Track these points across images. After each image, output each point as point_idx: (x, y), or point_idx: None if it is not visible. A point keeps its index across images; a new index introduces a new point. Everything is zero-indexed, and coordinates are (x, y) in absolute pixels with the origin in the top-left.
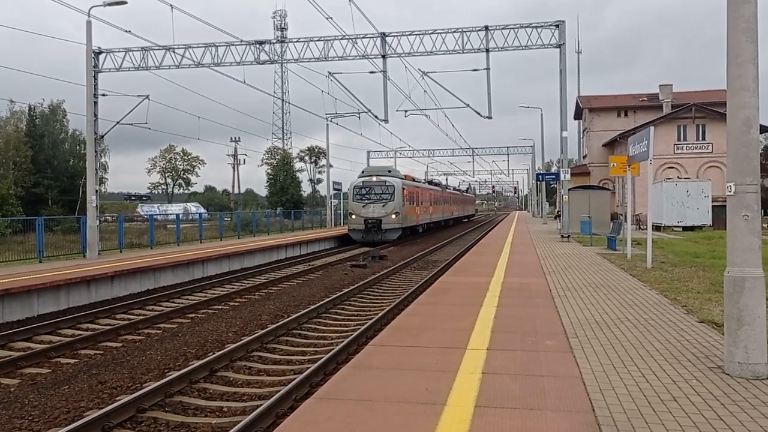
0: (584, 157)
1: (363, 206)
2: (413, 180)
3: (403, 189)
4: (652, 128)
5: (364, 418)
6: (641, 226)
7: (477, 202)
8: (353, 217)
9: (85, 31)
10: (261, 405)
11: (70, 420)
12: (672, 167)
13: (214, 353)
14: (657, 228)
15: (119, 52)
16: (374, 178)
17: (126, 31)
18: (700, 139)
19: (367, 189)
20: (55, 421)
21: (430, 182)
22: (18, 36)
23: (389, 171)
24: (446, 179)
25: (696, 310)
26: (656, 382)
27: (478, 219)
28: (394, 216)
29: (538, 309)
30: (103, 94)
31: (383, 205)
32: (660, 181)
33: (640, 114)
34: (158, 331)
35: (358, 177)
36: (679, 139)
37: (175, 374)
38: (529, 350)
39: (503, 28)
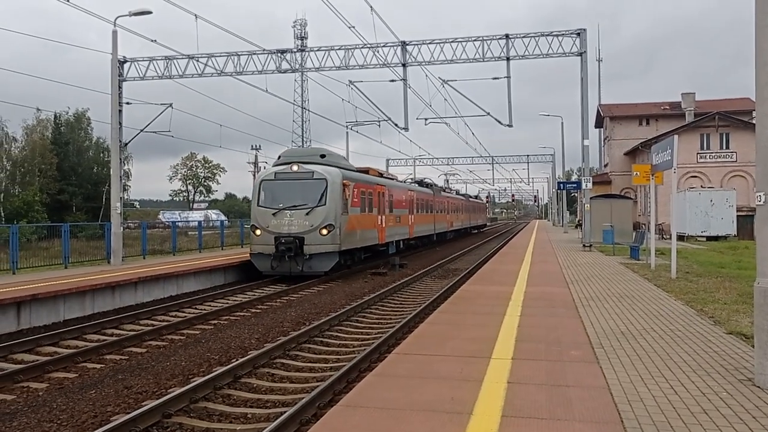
0: (605, 165)
1: (273, 214)
2: (379, 175)
3: (344, 187)
4: (676, 137)
5: (390, 426)
6: (664, 236)
7: (496, 210)
8: (258, 233)
9: (110, 40)
10: (285, 412)
11: (98, 424)
12: (695, 176)
13: (237, 360)
14: (680, 238)
15: (143, 61)
16: (294, 168)
17: (152, 41)
18: (724, 148)
19: (281, 186)
20: (83, 425)
21: (420, 182)
22: (44, 45)
23: (322, 156)
24: (465, 187)
25: (723, 321)
26: (685, 393)
27: (496, 228)
28: (324, 231)
29: (561, 319)
30: (128, 103)
31: (307, 213)
32: (683, 191)
33: (662, 122)
34: (182, 337)
35: (273, 165)
36: (702, 148)
37: (199, 380)
38: (555, 360)
39: (524, 37)
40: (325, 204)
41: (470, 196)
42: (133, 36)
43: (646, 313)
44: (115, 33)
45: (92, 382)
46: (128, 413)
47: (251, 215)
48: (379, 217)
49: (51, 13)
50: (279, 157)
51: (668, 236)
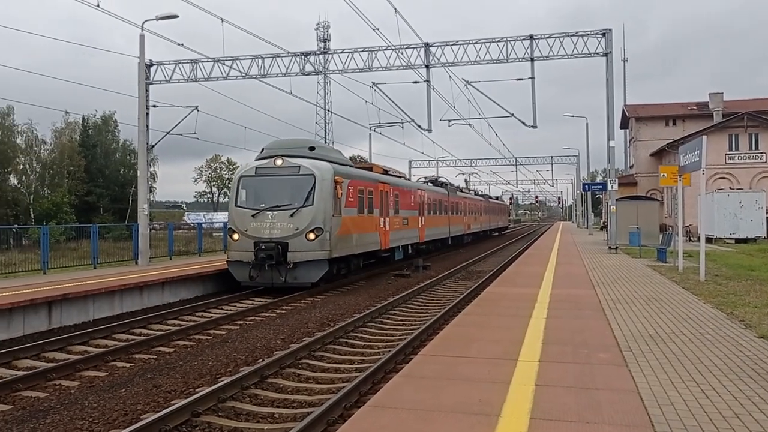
0: (631, 166)
1: (253, 216)
2: (384, 172)
3: (336, 184)
4: (704, 137)
5: (419, 427)
6: (691, 238)
7: (519, 212)
8: (235, 237)
9: (136, 44)
10: (312, 412)
11: (128, 422)
12: (723, 177)
13: (263, 360)
14: (708, 240)
15: (169, 64)
16: (277, 162)
17: (178, 44)
18: (753, 148)
19: (263, 183)
20: (114, 423)
21: (434, 181)
22: (76, 50)
23: (311, 149)
24: (488, 188)
25: (755, 324)
26: (717, 398)
27: (519, 230)
28: (311, 236)
29: (588, 321)
30: (154, 105)
31: (291, 214)
32: (711, 192)
33: (689, 123)
34: (208, 337)
35: (256, 158)
36: (730, 149)
37: (227, 380)
38: (582, 363)
39: (548, 37)
40: (312, 204)
41: (490, 197)
42: (158, 40)
43: (674, 316)
44: (142, 37)
45: (122, 381)
46: (158, 412)
47: (228, 217)
48: (382, 219)
49: (79, 19)
50: (262, 150)
51: (696, 238)
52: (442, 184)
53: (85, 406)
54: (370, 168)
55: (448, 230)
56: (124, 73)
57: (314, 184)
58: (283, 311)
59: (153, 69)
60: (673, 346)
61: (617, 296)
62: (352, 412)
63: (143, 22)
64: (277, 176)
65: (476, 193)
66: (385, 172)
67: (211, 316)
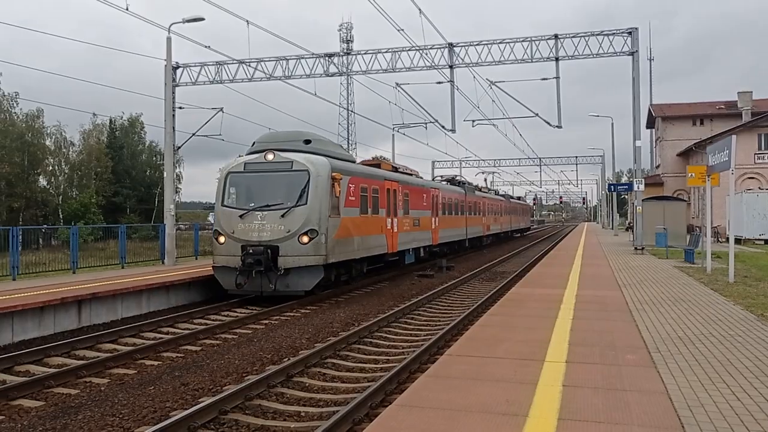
0: (657, 167)
1: (240, 217)
2: (393, 169)
3: (334, 181)
4: (734, 136)
5: (446, 426)
6: (719, 239)
7: (543, 213)
8: (221, 240)
9: (161, 46)
10: (337, 411)
11: (157, 419)
12: (752, 177)
13: (289, 359)
14: (737, 241)
15: (195, 66)
16: (268, 156)
17: (206, 47)
18: None
19: (252, 180)
20: (143, 420)
21: (451, 180)
22: (99, 52)
23: (307, 142)
24: (512, 189)
25: None
26: (748, 400)
27: (543, 231)
28: (305, 238)
29: (615, 322)
30: (180, 107)
31: (283, 215)
32: (740, 192)
33: (716, 122)
34: (234, 336)
35: (246, 153)
36: (760, 148)
37: (253, 378)
38: (610, 364)
39: (573, 36)
40: (306, 203)
41: (511, 197)
42: (183, 42)
43: (703, 317)
44: (169, 40)
45: (151, 379)
46: (186, 409)
47: (214, 218)
48: (389, 219)
49: (106, 22)
50: (254, 143)
51: (724, 239)
52: (459, 183)
53: (115, 403)
54: (377, 165)
55: (465, 232)
56: (149, 75)
57: (308, 180)
58: (308, 311)
59: (179, 71)
60: (702, 348)
61: (644, 297)
62: (378, 411)
63: (170, 25)
64: (267, 172)
65: (497, 193)
66: (395, 169)
67: (237, 316)
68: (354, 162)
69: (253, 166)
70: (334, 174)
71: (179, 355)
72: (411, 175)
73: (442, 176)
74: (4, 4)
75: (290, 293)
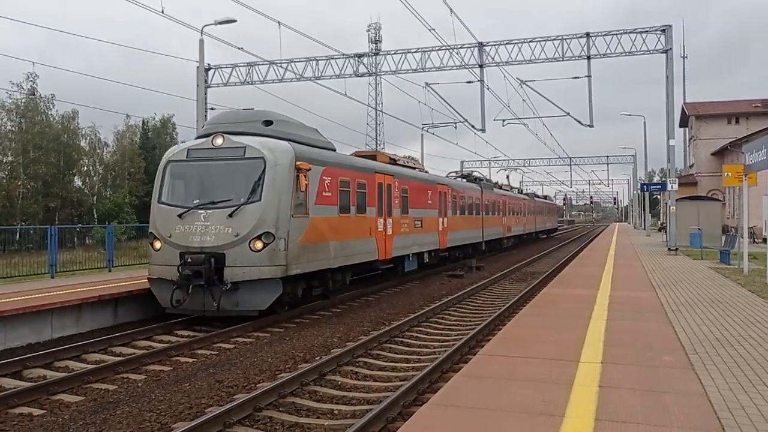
0: (691, 166)
1: (180, 216)
2: (392, 161)
3: (299, 172)
4: None
5: (483, 425)
6: (756, 240)
7: (573, 213)
8: (157, 246)
9: (190, 47)
10: (371, 409)
11: (194, 415)
12: None
13: (321, 357)
14: None
15: (227, 67)
16: (217, 141)
17: (238, 48)
18: None
19: (195, 170)
20: (180, 415)
21: (467, 176)
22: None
23: (267, 123)
24: (541, 189)
25: None
26: None
27: (573, 231)
28: (258, 244)
29: (651, 323)
30: (212, 108)
31: (230, 214)
32: None
33: (753, 121)
34: (267, 335)
35: (195, 138)
36: None
37: (287, 376)
38: (647, 365)
39: (605, 35)
40: (259, 199)
41: (536, 195)
42: (214, 43)
43: (741, 319)
44: (201, 42)
45: (186, 375)
46: (221, 406)
47: (150, 218)
48: (380, 220)
49: (138, 24)
50: (204, 126)
51: (760, 240)
52: (475, 180)
53: (152, 399)
54: (373, 156)
55: (481, 233)
56: (180, 77)
57: (263, 170)
58: (339, 310)
59: (211, 72)
60: (741, 350)
61: (680, 298)
62: (411, 410)
63: (202, 27)
64: (214, 161)
65: (520, 191)
66: (393, 161)
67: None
68: (333, 150)
69: (198, 153)
70: (299, 163)
71: (213, 352)
72: (414, 168)
73: (457, 172)
74: (40, 6)
75: (239, 313)
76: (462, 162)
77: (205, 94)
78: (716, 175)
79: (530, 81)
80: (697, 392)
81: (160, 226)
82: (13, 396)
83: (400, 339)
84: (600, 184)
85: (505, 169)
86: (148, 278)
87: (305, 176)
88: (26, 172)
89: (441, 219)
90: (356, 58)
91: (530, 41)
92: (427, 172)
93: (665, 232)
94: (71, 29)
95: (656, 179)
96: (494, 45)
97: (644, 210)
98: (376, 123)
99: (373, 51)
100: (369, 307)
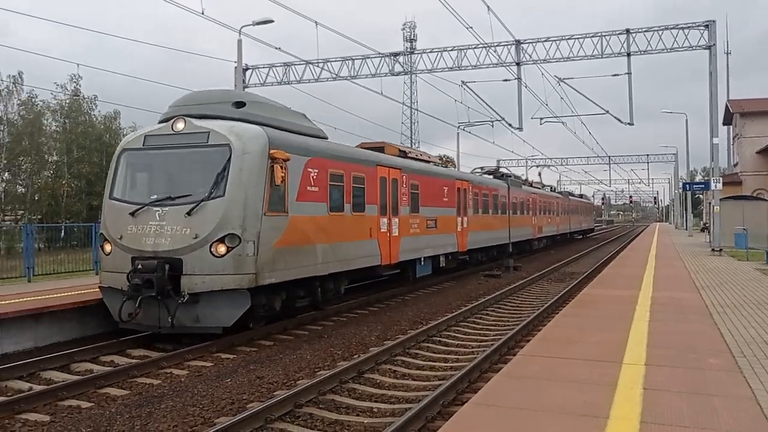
0: (735, 165)
1: (132, 214)
2: (401, 154)
3: (273, 162)
4: None
5: (524, 426)
6: None
7: (612, 212)
8: (107, 250)
9: (228, 48)
10: (410, 407)
11: (236, 410)
12: None
13: (359, 356)
14: None
15: (264, 67)
16: (179, 125)
17: (276, 48)
18: None
19: (151, 160)
20: (222, 410)
21: (493, 173)
22: (169, 55)
23: (238, 105)
24: (579, 188)
25: None
26: None
27: (612, 231)
28: (221, 248)
29: (695, 325)
30: None
31: (189, 212)
32: None
33: None
34: (305, 333)
35: (158, 122)
36: None
37: (326, 374)
38: (692, 368)
39: (646, 31)
40: (223, 195)
41: (571, 194)
42: (252, 43)
43: None
44: (239, 42)
45: (227, 371)
46: (263, 402)
47: (101, 216)
48: (383, 219)
49: (176, 26)
50: (169, 107)
51: None
52: (501, 176)
53: (195, 394)
54: (381, 149)
55: (508, 234)
56: (218, 77)
57: (228, 160)
58: (376, 309)
59: (248, 73)
60: None
61: (725, 300)
62: (451, 409)
63: (240, 28)
64: (173, 149)
65: (552, 189)
66: (404, 154)
67: (307, 312)
68: (324, 138)
69: (155, 140)
70: (273, 151)
71: (253, 349)
72: (429, 162)
73: (481, 168)
74: (78, 9)
75: (200, 331)
76: (498, 161)
77: None
78: (762, 174)
79: (568, 78)
80: (745, 396)
81: (110, 226)
82: (62, 389)
83: (438, 338)
84: (640, 183)
85: (538, 167)
86: (99, 287)
87: (282, 167)
88: (70, 172)
89: (460, 218)
90: (392, 57)
91: (568, 38)
92: (444, 166)
93: (708, 232)
94: (114, 32)
95: (698, 178)
96: (532, 42)
97: (686, 210)
98: (411, 122)
99: (409, 50)
100: (406, 307)
